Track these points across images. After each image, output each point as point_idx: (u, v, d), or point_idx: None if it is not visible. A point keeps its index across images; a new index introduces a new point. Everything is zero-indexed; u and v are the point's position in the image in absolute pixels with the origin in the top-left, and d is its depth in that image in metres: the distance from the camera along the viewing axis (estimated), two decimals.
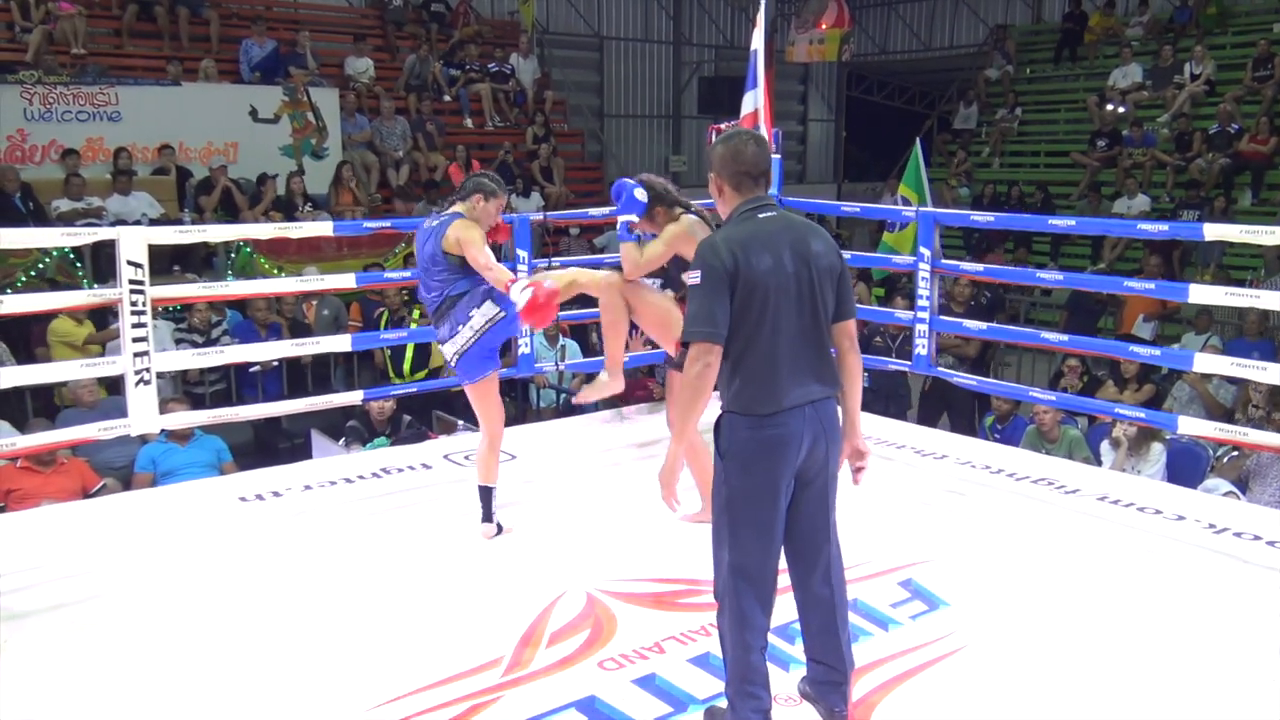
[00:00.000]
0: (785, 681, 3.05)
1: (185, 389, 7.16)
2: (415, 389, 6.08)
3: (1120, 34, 15.37)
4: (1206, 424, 4.74)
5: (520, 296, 3.79)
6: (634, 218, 4.00)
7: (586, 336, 7.70)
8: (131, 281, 4.25)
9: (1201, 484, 5.43)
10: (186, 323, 7.51)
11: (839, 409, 2.74)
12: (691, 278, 2.60)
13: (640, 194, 3.97)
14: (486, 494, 4.13)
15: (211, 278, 8.90)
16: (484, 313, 3.97)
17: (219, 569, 3.82)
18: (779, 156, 6.04)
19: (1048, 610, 3.50)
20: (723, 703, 2.80)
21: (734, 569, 2.63)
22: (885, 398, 7.23)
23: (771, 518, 2.62)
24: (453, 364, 4.08)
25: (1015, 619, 3.44)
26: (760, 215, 2.67)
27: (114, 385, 5.95)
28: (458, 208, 4.10)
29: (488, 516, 4.14)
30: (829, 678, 2.79)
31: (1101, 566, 3.85)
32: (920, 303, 5.29)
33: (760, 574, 2.63)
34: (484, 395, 4.09)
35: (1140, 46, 14.89)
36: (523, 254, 5.47)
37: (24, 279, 7.93)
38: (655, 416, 5.85)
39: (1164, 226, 4.90)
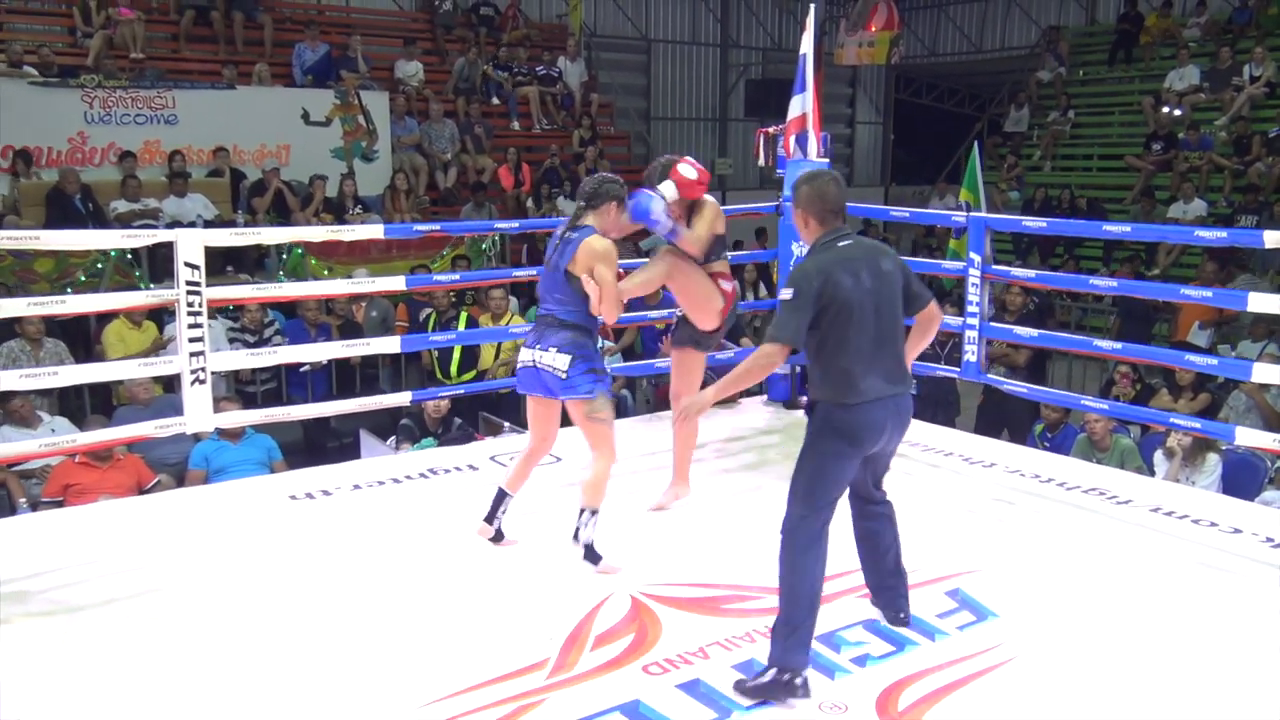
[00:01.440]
0: (830, 689, 3.04)
1: (237, 388, 7.29)
2: (462, 390, 6.14)
3: (1177, 35, 15.09)
4: (1265, 435, 4.64)
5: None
6: (665, 223, 4.17)
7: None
8: (188, 283, 4.33)
9: (1259, 496, 5.32)
10: (239, 322, 7.65)
11: (911, 402, 3.28)
12: (785, 294, 3.12)
13: (656, 205, 4.13)
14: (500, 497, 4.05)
15: (264, 278, 9.06)
16: (558, 363, 3.79)
17: (270, 566, 3.89)
18: (827, 160, 6.01)
19: (1098, 623, 3.44)
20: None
21: (805, 515, 3.12)
22: (934, 404, 7.16)
23: (843, 483, 3.17)
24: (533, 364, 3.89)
25: (1065, 631, 3.39)
26: (840, 244, 3.16)
27: (168, 383, 6.09)
28: (588, 220, 3.88)
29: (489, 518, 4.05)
30: (894, 589, 3.42)
31: (1154, 579, 3.79)
32: (970, 309, 5.24)
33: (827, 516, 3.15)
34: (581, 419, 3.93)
35: (1198, 48, 14.61)
36: None
37: (83, 278, 8.11)
38: (700, 421, 5.85)
39: (1222, 233, 4.81)
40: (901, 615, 3.41)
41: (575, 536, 3.85)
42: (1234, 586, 3.74)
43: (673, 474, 4.60)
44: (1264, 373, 4.52)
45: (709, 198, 4.45)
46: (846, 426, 3.09)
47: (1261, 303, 4.41)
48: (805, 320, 3.05)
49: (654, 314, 6.41)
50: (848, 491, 3.26)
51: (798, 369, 6.07)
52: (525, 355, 3.91)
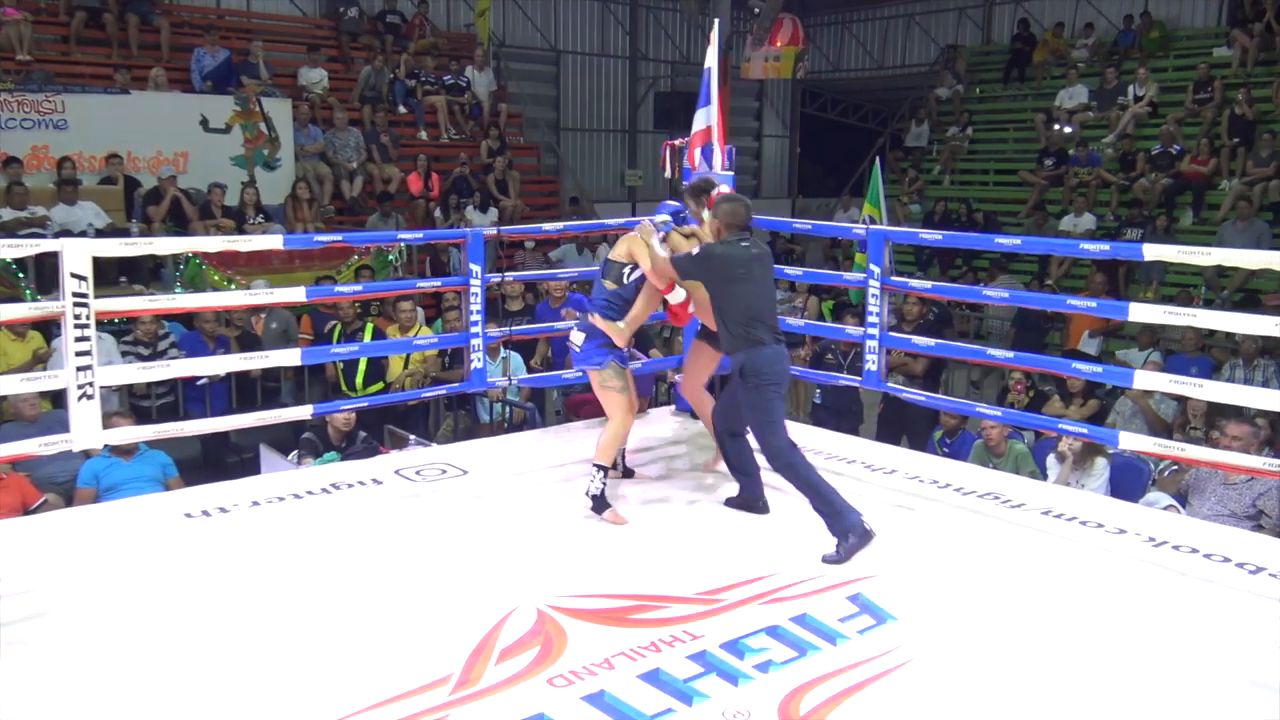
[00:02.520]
0: (734, 696, 3.07)
1: (131, 402, 7.05)
2: (367, 403, 6.04)
3: (1067, 56, 15.72)
4: (1147, 439, 4.85)
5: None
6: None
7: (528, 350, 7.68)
8: (75, 294, 4.17)
9: (1143, 498, 5.56)
10: (132, 335, 7.40)
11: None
12: (694, 250, 4.37)
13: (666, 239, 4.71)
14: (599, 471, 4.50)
15: (160, 289, 8.79)
16: (576, 340, 4.58)
17: (163, 587, 3.75)
18: (732, 173, 6.09)
19: (993, 623, 3.55)
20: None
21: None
22: (838, 413, 7.31)
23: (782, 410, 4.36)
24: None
25: (961, 632, 3.48)
26: (741, 244, 4.32)
27: (56, 398, 5.85)
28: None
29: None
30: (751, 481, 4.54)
31: (1045, 580, 3.92)
32: (870, 319, 5.36)
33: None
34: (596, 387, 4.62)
35: (1086, 68, 15.25)
36: (475, 268, 5.45)
37: None
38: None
39: (1105, 246, 5.03)
40: (759, 503, 4.50)
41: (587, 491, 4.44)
42: (1118, 586, 3.89)
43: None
44: (1145, 379, 4.72)
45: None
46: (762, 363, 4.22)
47: (1141, 313, 4.61)
48: (706, 271, 4.28)
49: (560, 324, 6.41)
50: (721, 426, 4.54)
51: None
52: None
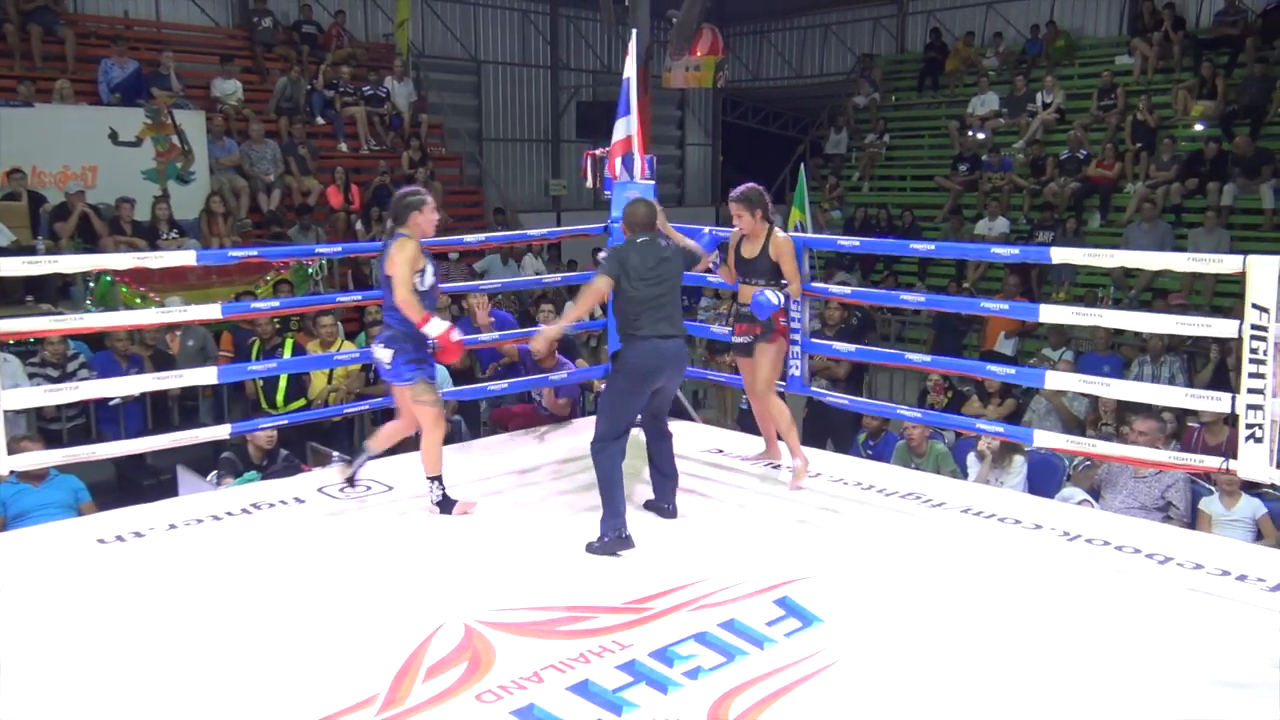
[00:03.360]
0: (663, 704, 3.08)
1: (40, 425, 6.80)
2: (288, 420, 5.92)
3: (978, 64, 16.14)
4: (1060, 437, 5.00)
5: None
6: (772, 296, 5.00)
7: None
8: None
9: (1059, 493, 5.72)
10: (39, 356, 7.15)
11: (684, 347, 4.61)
12: (602, 254, 4.58)
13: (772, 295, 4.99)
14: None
15: (69, 308, 8.50)
16: (383, 357, 4.51)
17: (75, 616, 3.63)
18: (653, 182, 6.12)
19: (918, 622, 3.62)
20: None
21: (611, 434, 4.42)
22: None
23: (637, 406, 4.54)
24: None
25: (887, 632, 3.54)
26: (638, 241, 4.53)
27: None
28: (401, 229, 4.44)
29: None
30: (665, 483, 4.69)
31: (966, 577, 4.01)
32: (793, 325, 5.42)
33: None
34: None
35: (996, 76, 15.68)
36: None
37: None
38: (536, 444, 5.86)
39: (1015, 250, 5.16)
40: (667, 508, 4.64)
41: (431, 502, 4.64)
42: (1036, 580, 4.00)
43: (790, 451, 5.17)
44: (1056, 380, 4.87)
45: (780, 231, 5.16)
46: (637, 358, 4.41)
47: (1052, 314, 4.75)
48: (616, 269, 4.41)
49: (485, 336, 6.37)
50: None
51: None
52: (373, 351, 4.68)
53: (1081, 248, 6.15)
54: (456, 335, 4.50)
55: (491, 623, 3.54)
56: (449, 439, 6.69)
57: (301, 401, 7.24)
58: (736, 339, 5.21)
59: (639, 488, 4.96)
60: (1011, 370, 5.25)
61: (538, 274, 12.37)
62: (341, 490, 4.86)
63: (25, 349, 7.26)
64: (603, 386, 6.18)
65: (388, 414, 6.82)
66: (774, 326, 5.05)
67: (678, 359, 4.49)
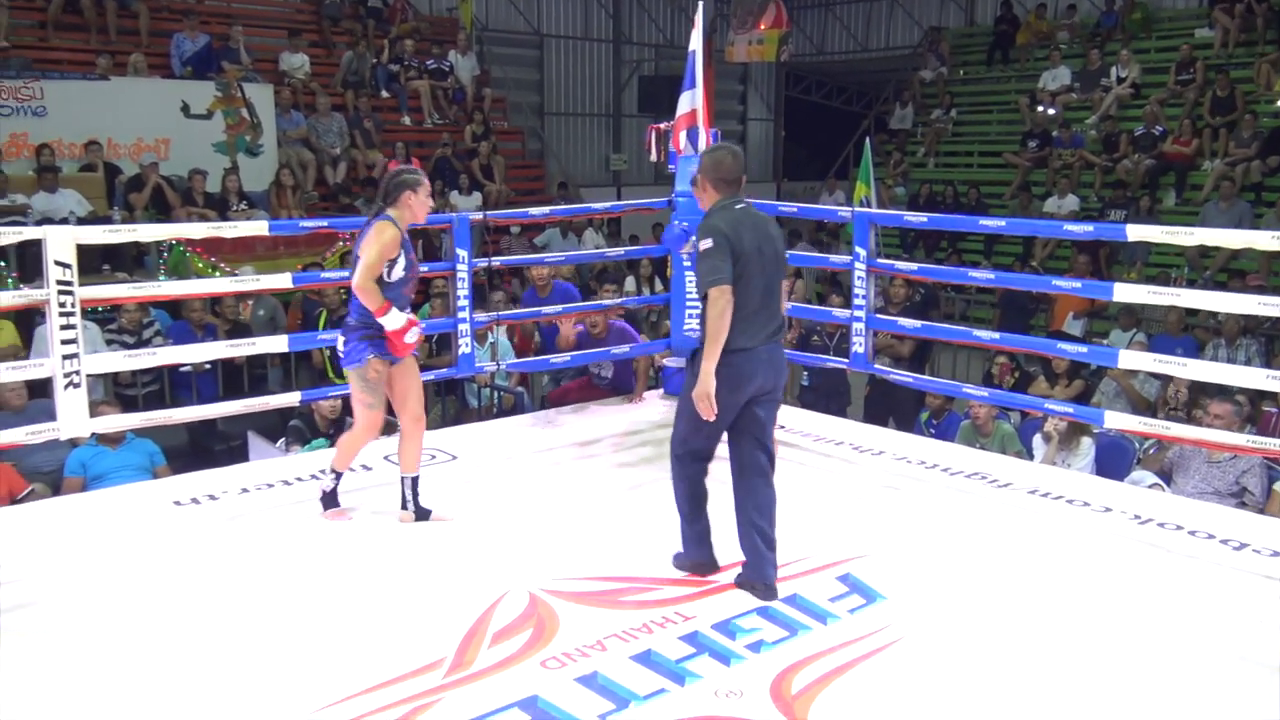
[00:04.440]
0: (726, 676, 3.10)
1: (117, 390, 6.99)
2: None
3: (1050, 37, 15.74)
4: (1132, 419, 4.89)
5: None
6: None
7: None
8: (59, 282, 4.15)
9: (1128, 476, 5.60)
10: (117, 323, 7.35)
11: (783, 353, 3.67)
12: (704, 244, 3.44)
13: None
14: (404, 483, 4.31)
15: (143, 277, 8.72)
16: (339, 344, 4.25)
17: (154, 575, 3.75)
18: None
19: (982, 602, 3.58)
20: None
21: (689, 439, 3.61)
22: (826, 395, 7.33)
23: (725, 422, 3.54)
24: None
25: (950, 611, 3.51)
26: (736, 208, 3.55)
27: (40, 387, 5.81)
28: (389, 211, 4.10)
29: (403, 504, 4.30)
30: (764, 555, 3.59)
31: (1033, 558, 3.96)
32: (857, 301, 5.38)
33: (707, 443, 3.65)
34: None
35: (1069, 50, 15.27)
36: (462, 253, 5.44)
37: None
38: (592, 417, 5.88)
39: (1089, 227, 5.06)
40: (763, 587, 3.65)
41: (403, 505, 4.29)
42: (1106, 563, 3.94)
43: None
44: (1129, 359, 4.76)
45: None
46: (734, 371, 3.44)
47: (1127, 293, 4.64)
48: (729, 261, 3.40)
49: (548, 310, 6.40)
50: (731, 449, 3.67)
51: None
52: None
53: (1157, 225, 5.99)
54: (413, 337, 4.12)
55: (555, 591, 3.58)
56: (514, 410, 6.80)
57: None
58: None
59: None
60: (1084, 349, 5.15)
61: (598, 248, 12.39)
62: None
63: (103, 316, 7.47)
64: (666, 362, 6.19)
65: (452, 385, 6.93)
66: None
67: (780, 363, 3.64)
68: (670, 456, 3.69)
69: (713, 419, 3.44)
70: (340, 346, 4.21)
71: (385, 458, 5.08)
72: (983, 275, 5.89)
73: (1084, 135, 13.95)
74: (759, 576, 3.56)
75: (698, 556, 3.71)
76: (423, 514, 4.27)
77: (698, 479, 3.66)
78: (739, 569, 3.65)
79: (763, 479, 3.59)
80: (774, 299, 3.56)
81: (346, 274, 6.10)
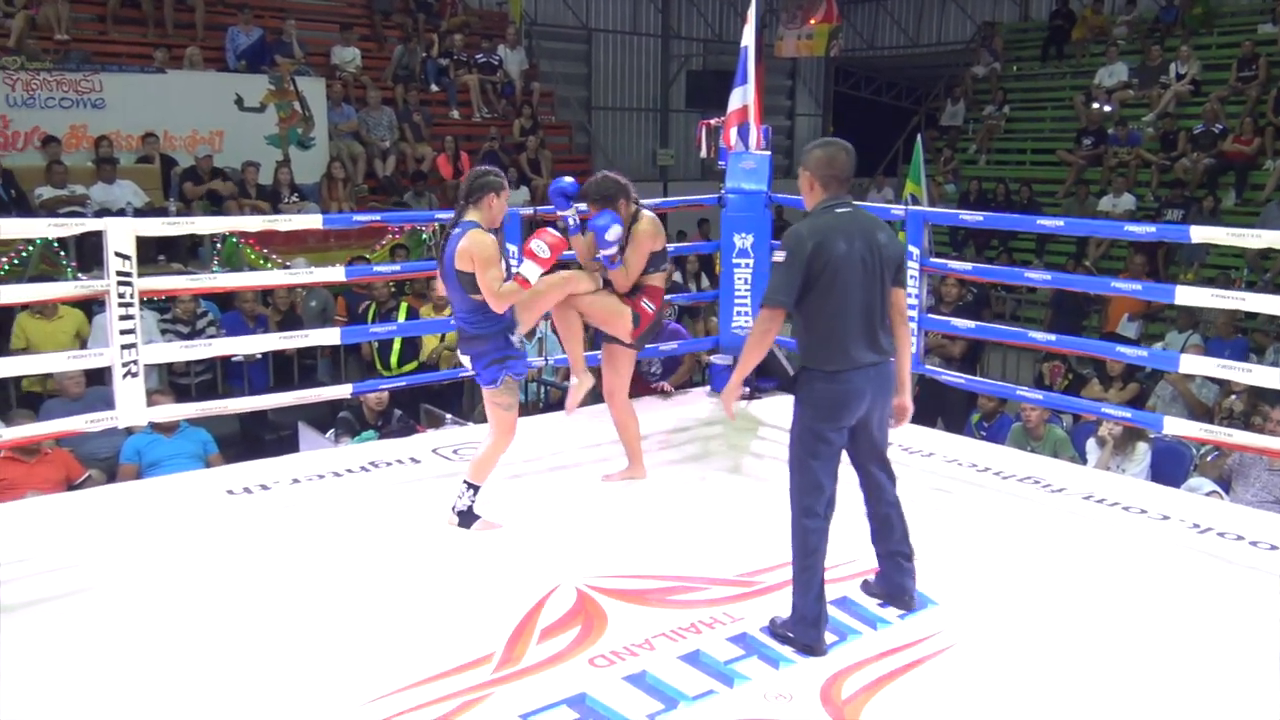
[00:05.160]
0: (775, 679, 3.07)
1: (170, 379, 7.12)
2: (404, 382, 6.07)
3: (1107, 32, 15.44)
4: (1192, 424, 4.78)
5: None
6: (615, 229, 4.30)
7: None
8: (119, 273, 4.22)
9: (1185, 483, 5.48)
10: (171, 313, 7.47)
11: (893, 370, 3.35)
12: (778, 256, 3.20)
13: (614, 232, 4.30)
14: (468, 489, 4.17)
15: (197, 267, 8.86)
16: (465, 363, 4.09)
17: (207, 563, 3.80)
18: (769, 153, 6.05)
19: (1034, 609, 3.52)
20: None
21: (801, 496, 3.25)
22: None
23: (834, 452, 3.25)
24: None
25: (1003, 618, 3.46)
26: (837, 210, 3.25)
27: (96, 374, 5.92)
28: (470, 215, 3.95)
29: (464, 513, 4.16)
30: (901, 566, 3.48)
31: (1088, 566, 3.88)
32: (909, 301, 5.30)
33: (821, 490, 3.24)
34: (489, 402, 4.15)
35: (1126, 45, 14.97)
36: (512, 248, 5.44)
37: (8, 268, 7.85)
38: (643, 413, 5.85)
39: (1151, 228, 4.93)
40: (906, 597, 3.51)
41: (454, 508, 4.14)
42: (1163, 572, 3.85)
43: (628, 460, 4.75)
44: (1191, 364, 4.65)
45: (646, 213, 4.52)
46: (830, 396, 3.20)
47: (1188, 296, 4.53)
48: (797, 281, 3.15)
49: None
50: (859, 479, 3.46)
51: None
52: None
53: (1219, 226, 5.85)
54: (540, 248, 3.89)
55: (603, 589, 3.57)
56: (560, 404, 6.80)
57: (414, 364, 7.41)
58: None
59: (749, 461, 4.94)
60: (1143, 352, 5.04)
61: None
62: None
63: (158, 306, 7.59)
64: (714, 359, 6.15)
65: None
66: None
67: (885, 380, 3.32)
68: (792, 523, 3.27)
69: (734, 419, 3.29)
70: (468, 363, 4.09)
71: (433, 450, 5.11)
72: (1039, 276, 5.78)
73: (1141, 133, 13.67)
74: (899, 589, 3.50)
75: (806, 637, 3.21)
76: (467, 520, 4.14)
77: (818, 531, 3.23)
78: (782, 568, 3.61)
79: (894, 506, 3.46)
80: (878, 313, 3.24)
81: (398, 268, 6.14)
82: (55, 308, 7.10)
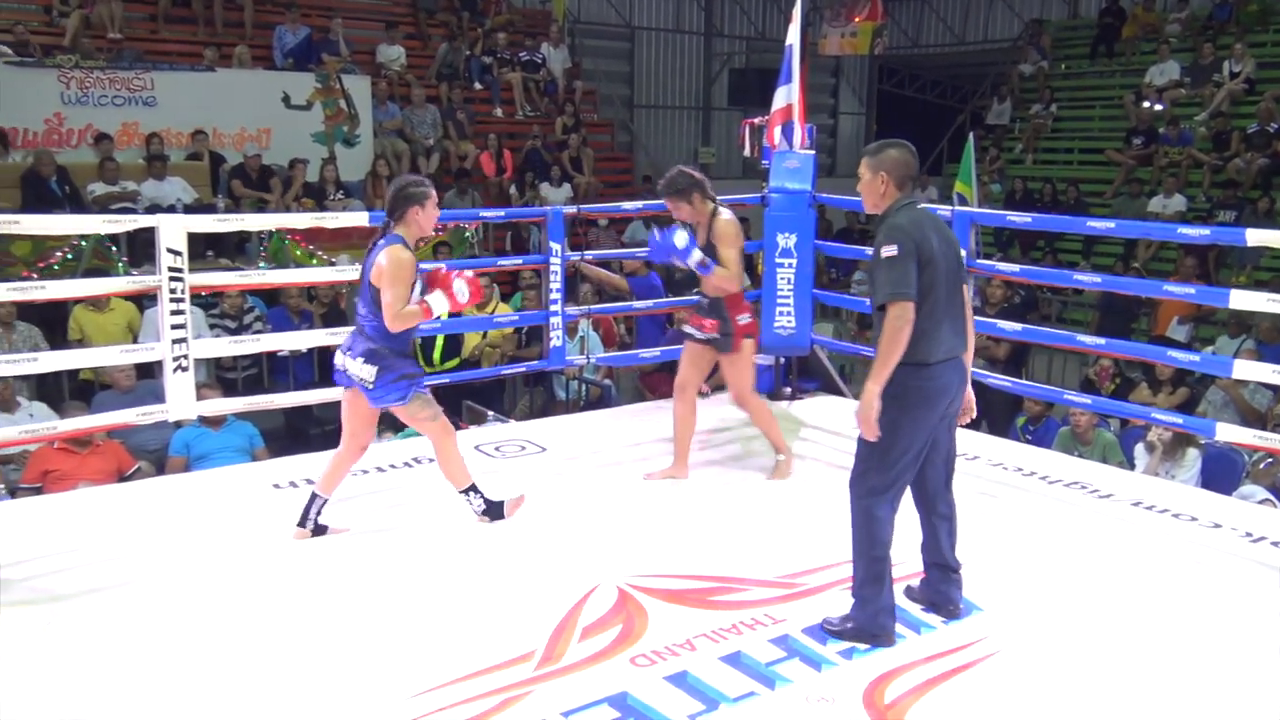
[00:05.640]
0: (817, 681, 3.05)
1: (218, 374, 7.22)
2: (446, 379, 6.10)
3: (1159, 30, 15.17)
4: (1246, 431, 4.68)
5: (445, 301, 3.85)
6: (682, 235, 4.40)
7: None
8: (171, 269, 4.29)
9: (1236, 490, 5.38)
10: (218, 309, 7.57)
11: (965, 366, 3.36)
12: (889, 251, 3.13)
13: (681, 237, 4.39)
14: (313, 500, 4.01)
15: (244, 263, 8.98)
16: (365, 374, 3.85)
17: (254, 555, 3.86)
18: (813, 152, 6.01)
19: (1082, 616, 3.47)
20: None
21: (874, 489, 3.21)
22: None
23: (921, 448, 3.24)
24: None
25: (1049, 624, 3.41)
26: (917, 206, 3.30)
27: (145, 367, 6.02)
28: (396, 229, 3.84)
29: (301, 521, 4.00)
30: (948, 577, 3.46)
31: (1137, 573, 3.82)
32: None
33: (899, 487, 3.26)
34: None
35: (1179, 43, 14.69)
36: (555, 246, 5.46)
37: (61, 263, 8.01)
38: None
39: (1206, 230, 4.84)
40: (951, 606, 3.47)
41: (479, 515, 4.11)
42: (1215, 581, 3.78)
43: (674, 458, 4.76)
44: (1244, 369, 4.56)
45: (724, 210, 4.56)
46: (924, 391, 3.18)
47: (1243, 300, 4.44)
48: (914, 274, 3.12)
49: (639, 305, 6.40)
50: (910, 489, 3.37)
51: (782, 360, 6.09)
52: (338, 358, 3.97)
53: (1274, 229, 5.72)
54: (463, 292, 3.89)
55: (644, 588, 3.57)
56: (600, 402, 6.83)
57: (456, 360, 7.45)
58: (690, 330, 4.78)
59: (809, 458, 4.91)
60: (1196, 357, 4.95)
61: None
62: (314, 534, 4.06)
63: (206, 301, 7.71)
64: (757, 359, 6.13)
65: (541, 377, 6.98)
66: (731, 330, 4.56)
67: (964, 372, 3.36)
68: (851, 501, 3.28)
69: (873, 439, 3.15)
70: (365, 375, 3.84)
71: (476, 447, 5.14)
72: (1088, 279, 5.69)
73: (1193, 132, 13.41)
74: (944, 599, 3.46)
75: (876, 626, 3.25)
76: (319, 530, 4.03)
77: (891, 524, 3.25)
78: (823, 570, 3.59)
79: (948, 518, 3.45)
80: (958, 306, 3.28)
81: (443, 265, 6.13)
82: (108, 300, 7.23)
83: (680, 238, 4.35)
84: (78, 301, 7.21)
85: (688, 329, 4.80)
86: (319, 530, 4.03)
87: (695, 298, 4.86)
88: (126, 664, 3.10)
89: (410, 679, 3.00)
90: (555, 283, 5.46)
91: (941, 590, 3.48)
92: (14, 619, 3.35)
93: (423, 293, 3.89)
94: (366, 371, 3.83)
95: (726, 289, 4.53)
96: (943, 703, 2.97)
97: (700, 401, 6.02)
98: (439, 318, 3.95)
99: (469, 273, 3.98)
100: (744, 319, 4.60)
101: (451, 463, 4.05)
